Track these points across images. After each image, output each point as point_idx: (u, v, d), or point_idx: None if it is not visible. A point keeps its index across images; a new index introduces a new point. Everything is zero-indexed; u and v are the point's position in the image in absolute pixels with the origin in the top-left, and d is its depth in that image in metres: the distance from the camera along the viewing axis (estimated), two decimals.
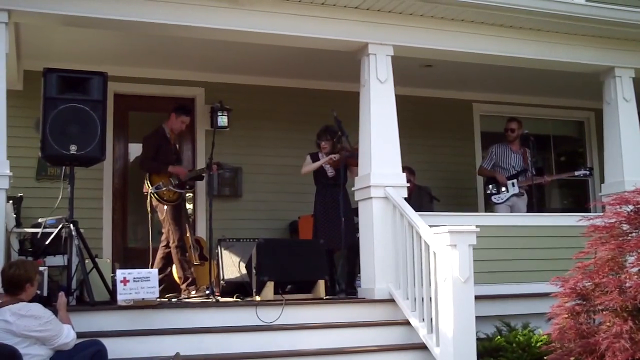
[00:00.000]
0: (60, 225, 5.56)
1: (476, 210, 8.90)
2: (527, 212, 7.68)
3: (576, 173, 8.17)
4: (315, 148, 7.09)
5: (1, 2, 5.28)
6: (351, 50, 6.37)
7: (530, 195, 7.81)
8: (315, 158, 7.00)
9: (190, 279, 6.63)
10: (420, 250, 5.31)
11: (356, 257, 6.39)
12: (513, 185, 7.79)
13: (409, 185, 6.24)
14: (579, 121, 10.27)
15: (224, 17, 5.81)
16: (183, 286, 6.66)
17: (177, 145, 7.47)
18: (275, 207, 8.28)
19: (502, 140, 8.14)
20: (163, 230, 6.87)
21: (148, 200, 6.81)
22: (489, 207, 8.38)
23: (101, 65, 6.16)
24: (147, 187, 6.74)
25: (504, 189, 7.80)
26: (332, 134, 6.88)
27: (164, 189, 6.66)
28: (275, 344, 5.09)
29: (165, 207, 6.71)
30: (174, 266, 7.10)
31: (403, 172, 6.16)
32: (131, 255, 7.88)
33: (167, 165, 6.82)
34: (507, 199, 7.77)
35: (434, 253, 5.07)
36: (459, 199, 8.87)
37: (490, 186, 7.92)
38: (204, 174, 7.03)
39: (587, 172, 8.16)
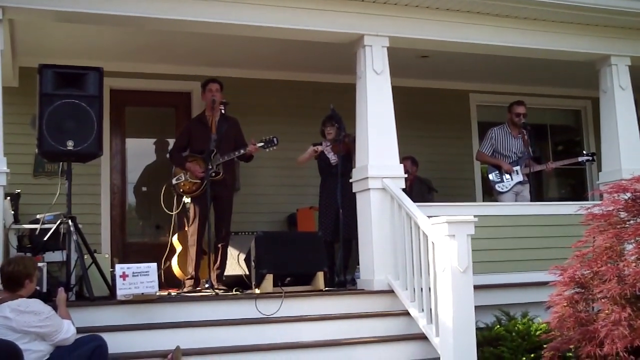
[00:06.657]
0: (59, 221, 5.54)
1: (474, 201, 8.89)
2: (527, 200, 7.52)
3: (579, 159, 7.96)
4: (320, 138, 7.03)
5: None
6: (347, 42, 6.35)
7: (529, 183, 7.56)
8: None
9: (190, 275, 6.43)
10: (419, 240, 5.31)
11: (356, 248, 6.39)
12: (517, 172, 7.46)
13: (407, 176, 6.24)
14: (575, 110, 10.28)
15: (219, 10, 5.79)
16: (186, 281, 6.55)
17: (225, 129, 6.48)
18: (274, 200, 8.29)
19: (501, 125, 7.71)
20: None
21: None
22: (491, 196, 8.24)
23: (97, 61, 6.16)
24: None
25: (507, 176, 7.45)
26: (337, 120, 6.82)
27: (182, 180, 6.42)
28: (275, 336, 5.09)
29: (189, 201, 6.51)
30: (173, 260, 7.10)
31: (406, 161, 6.10)
32: (130, 250, 7.89)
33: (193, 157, 6.47)
34: (512, 187, 7.42)
35: (433, 243, 5.07)
36: (456, 190, 8.86)
37: (493, 174, 7.53)
38: (249, 154, 6.51)
39: (590, 158, 7.91)
